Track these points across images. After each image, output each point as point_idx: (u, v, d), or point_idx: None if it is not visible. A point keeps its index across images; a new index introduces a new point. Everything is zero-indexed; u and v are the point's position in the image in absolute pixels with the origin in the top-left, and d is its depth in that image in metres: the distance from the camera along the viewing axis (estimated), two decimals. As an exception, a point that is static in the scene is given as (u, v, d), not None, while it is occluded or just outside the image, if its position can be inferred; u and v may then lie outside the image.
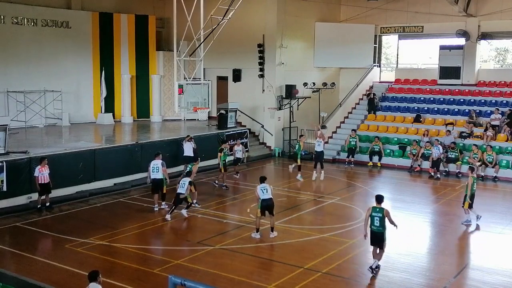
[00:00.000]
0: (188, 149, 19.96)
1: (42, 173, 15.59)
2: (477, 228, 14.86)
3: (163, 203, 16.09)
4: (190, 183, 15.26)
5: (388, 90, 28.68)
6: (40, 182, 15.56)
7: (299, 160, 20.65)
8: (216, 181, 19.50)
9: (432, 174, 21.49)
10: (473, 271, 11.81)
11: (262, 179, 14.04)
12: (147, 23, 27.62)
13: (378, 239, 11.45)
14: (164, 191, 16.10)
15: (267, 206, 13.46)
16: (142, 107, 27.96)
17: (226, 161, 19.51)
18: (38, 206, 15.76)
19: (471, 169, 15.31)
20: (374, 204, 11.76)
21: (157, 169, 15.96)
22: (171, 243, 13.20)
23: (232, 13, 20.40)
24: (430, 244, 14.03)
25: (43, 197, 15.81)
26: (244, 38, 26.51)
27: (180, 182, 15.40)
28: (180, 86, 21.94)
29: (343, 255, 12.45)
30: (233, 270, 11.42)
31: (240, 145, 22.07)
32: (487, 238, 14.10)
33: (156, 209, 15.98)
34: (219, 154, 19.42)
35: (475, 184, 15.03)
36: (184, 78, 22.43)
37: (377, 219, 11.39)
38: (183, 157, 20.11)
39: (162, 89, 28.23)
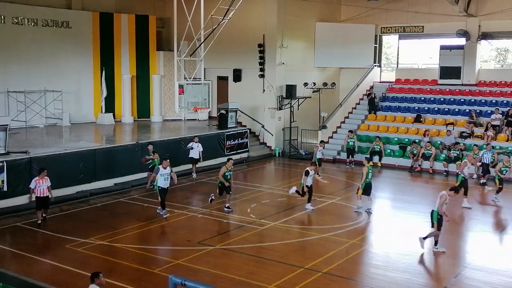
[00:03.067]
0: (194, 149, 20.03)
1: (40, 186, 13.96)
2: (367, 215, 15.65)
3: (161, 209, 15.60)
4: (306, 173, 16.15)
5: (388, 90, 28.67)
6: (37, 195, 14.00)
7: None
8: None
9: (485, 181, 20.45)
10: (474, 271, 11.80)
11: None
12: (147, 23, 27.62)
13: None
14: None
15: None
16: (143, 107, 27.95)
17: None
18: (39, 222, 14.21)
19: (367, 159, 16.43)
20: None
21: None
22: (172, 243, 13.20)
23: (233, 13, 20.42)
24: (430, 244, 14.00)
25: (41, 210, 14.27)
26: (245, 38, 26.49)
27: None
28: (181, 86, 21.97)
29: (344, 255, 12.45)
30: (234, 270, 11.42)
31: (322, 146, 21.75)
32: (488, 238, 14.09)
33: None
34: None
35: (370, 173, 15.95)
36: (185, 78, 22.43)
37: None
38: (189, 158, 20.23)
39: (162, 89, 28.22)
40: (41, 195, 14.04)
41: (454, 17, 26.15)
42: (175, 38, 21.69)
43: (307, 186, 16.18)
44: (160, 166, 15.26)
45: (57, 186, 16.21)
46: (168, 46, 28.63)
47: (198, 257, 12.18)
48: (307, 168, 16.29)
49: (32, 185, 14.03)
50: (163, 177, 15.10)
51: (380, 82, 29.85)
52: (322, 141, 22.69)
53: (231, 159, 16.47)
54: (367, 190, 16.00)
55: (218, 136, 23.48)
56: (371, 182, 16.13)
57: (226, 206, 15.97)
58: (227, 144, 23.70)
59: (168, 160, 15.45)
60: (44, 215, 14.34)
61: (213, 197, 16.31)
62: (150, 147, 18.32)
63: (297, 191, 16.47)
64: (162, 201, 15.30)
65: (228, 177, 15.94)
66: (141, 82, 27.75)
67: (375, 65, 29.65)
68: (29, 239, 13.40)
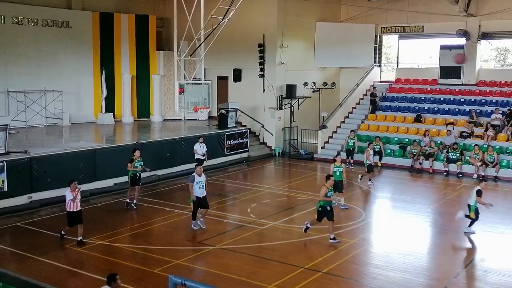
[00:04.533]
0: (200, 150, 19.92)
1: (74, 198, 12.68)
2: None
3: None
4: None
5: (388, 90, 28.66)
6: (69, 209, 12.79)
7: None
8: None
9: None
10: (474, 271, 11.81)
11: None
12: (147, 23, 27.62)
13: None
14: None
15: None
16: (143, 107, 27.94)
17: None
18: (79, 239, 12.81)
19: (338, 156, 16.94)
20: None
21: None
22: (172, 243, 13.16)
23: (233, 13, 20.38)
24: (430, 244, 14.03)
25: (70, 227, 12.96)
26: (245, 38, 26.47)
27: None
28: (181, 86, 21.92)
29: (344, 255, 12.43)
30: (234, 270, 11.41)
31: (371, 149, 20.21)
32: (488, 238, 14.06)
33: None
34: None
35: (337, 171, 16.18)
36: (185, 78, 22.40)
37: None
38: (196, 159, 19.99)
39: (162, 89, 28.20)
40: (74, 210, 12.75)
41: (454, 17, 26.12)
42: (175, 38, 21.66)
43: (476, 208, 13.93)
44: (195, 174, 13.95)
45: (57, 186, 16.28)
46: (168, 46, 28.61)
47: (199, 257, 12.20)
48: (478, 187, 13.99)
49: (69, 197, 12.69)
50: (198, 185, 13.82)
51: (380, 82, 29.82)
52: (370, 143, 21.35)
53: (331, 176, 13.72)
54: (336, 186, 15.47)
55: (218, 136, 23.46)
56: (340, 180, 16.04)
57: (332, 237, 13.18)
58: (227, 144, 23.68)
59: (201, 167, 14.28)
60: (79, 238, 12.78)
61: (309, 225, 13.63)
62: (137, 153, 16.44)
63: (466, 216, 14.11)
64: (194, 212, 14.05)
65: (330, 202, 13.36)
66: (141, 82, 27.74)
67: (375, 65, 29.64)
68: (29, 239, 13.39)
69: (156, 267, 11.43)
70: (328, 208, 13.12)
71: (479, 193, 13.79)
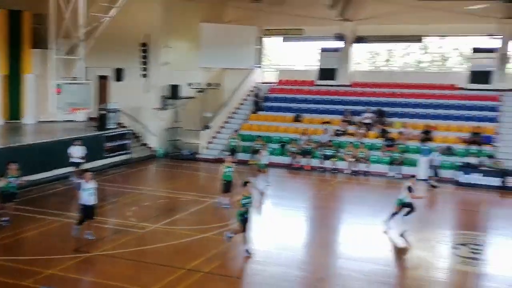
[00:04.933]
0: (76, 153, 18.97)
1: None
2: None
3: None
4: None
5: (270, 91, 29.48)
6: None
7: None
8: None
9: (435, 184, 20.64)
10: (347, 261, 12.54)
11: None
12: (21, 19, 25.81)
13: None
14: None
15: None
16: (14, 108, 26.03)
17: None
18: None
19: (221, 160, 17.25)
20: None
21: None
22: (45, 253, 12.36)
23: (115, 11, 19.80)
24: (306, 238, 14.70)
25: None
26: (127, 37, 25.68)
27: None
28: (58, 86, 20.91)
29: (225, 254, 12.63)
30: (112, 276, 11.07)
31: (266, 150, 20.45)
32: (359, 229, 15.04)
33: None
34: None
35: (227, 171, 16.10)
36: (63, 78, 21.33)
37: None
38: (71, 162, 19.03)
39: (37, 89, 26.45)
40: None
41: (332, 21, 27.45)
42: (52, 36, 20.55)
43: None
44: (81, 181, 13.30)
45: None
46: (45, 44, 26.91)
47: (74, 266, 11.63)
48: (409, 184, 14.45)
49: None
50: (87, 192, 13.12)
51: (264, 83, 30.56)
52: (264, 144, 21.84)
53: (248, 183, 12.86)
54: (225, 187, 16.00)
55: (97, 137, 22.58)
56: (230, 180, 16.11)
57: (230, 235, 12.85)
58: (107, 145, 22.88)
59: (91, 173, 13.51)
60: None
61: (229, 235, 12.87)
62: (13, 166, 14.49)
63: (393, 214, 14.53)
64: (80, 219, 13.32)
65: (246, 211, 12.51)
66: (13, 82, 25.82)
67: (258, 66, 30.36)
68: None
69: (26, 278, 10.68)
70: (246, 216, 12.48)
71: (410, 189, 14.32)
